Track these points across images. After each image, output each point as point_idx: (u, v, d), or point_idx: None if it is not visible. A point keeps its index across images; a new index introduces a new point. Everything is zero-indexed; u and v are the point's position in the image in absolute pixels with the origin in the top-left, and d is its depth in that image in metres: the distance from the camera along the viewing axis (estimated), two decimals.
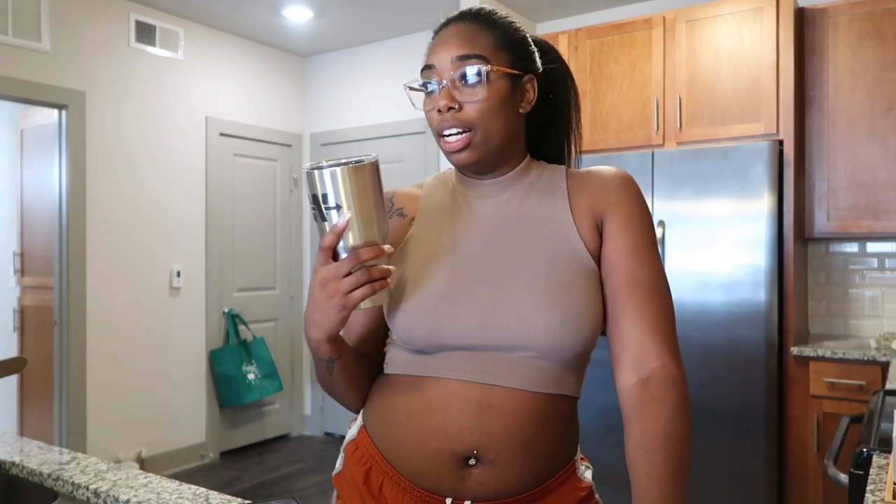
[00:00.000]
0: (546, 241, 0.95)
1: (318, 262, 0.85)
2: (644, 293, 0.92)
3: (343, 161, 0.82)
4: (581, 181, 1.00)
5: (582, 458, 1.03)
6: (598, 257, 0.95)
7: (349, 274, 0.84)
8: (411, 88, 1.00)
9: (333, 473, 1.06)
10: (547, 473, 0.95)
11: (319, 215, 0.83)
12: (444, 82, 0.94)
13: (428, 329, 0.92)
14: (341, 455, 1.06)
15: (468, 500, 0.92)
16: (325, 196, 0.81)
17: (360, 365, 1.00)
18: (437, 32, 1.00)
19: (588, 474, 1.01)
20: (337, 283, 0.84)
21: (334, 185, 0.81)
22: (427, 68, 0.97)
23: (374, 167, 0.83)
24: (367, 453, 0.99)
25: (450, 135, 0.94)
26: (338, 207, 0.81)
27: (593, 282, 0.93)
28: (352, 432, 1.05)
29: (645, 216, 0.97)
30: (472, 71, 0.93)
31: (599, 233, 0.96)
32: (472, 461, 0.91)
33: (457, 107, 0.93)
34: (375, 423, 0.99)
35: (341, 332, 0.98)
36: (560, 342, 0.89)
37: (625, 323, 0.92)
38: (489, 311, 0.91)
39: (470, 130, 0.93)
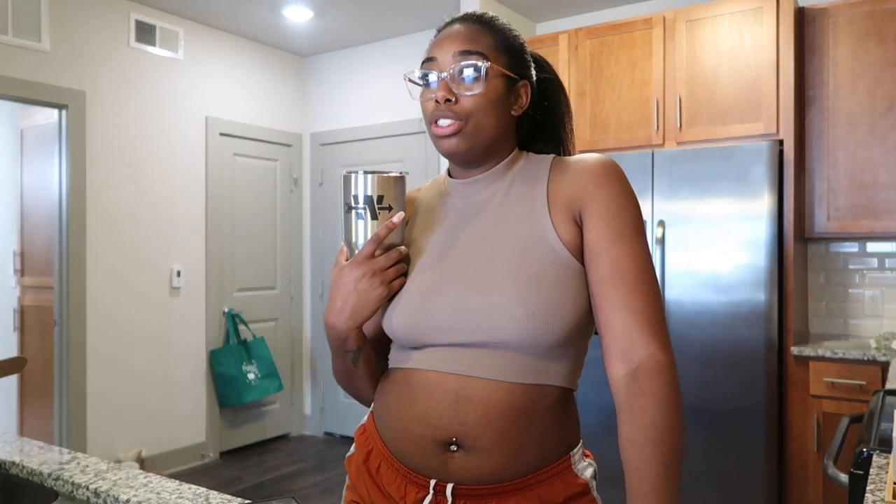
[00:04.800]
0: (520, 235, 0.96)
1: (363, 254, 0.96)
2: (628, 283, 0.92)
3: (377, 171, 0.96)
4: (562, 170, 1.01)
5: (585, 454, 1.02)
6: (574, 248, 0.95)
7: (391, 266, 0.97)
8: (411, 80, 1.03)
9: (346, 456, 1.13)
10: (533, 464, 0.95)
11: (371, 214, 0.95)
12: (444, 74, 0.98)
13: (405, 328, 0.98)
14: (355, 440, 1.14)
15: (451, 482, 0.95)
16: (381, 197, 0.95)
17: (376, 356, 1.09)
18: (440, 30, 1.04)
19: (588, 472, 1.00)
20: (383, 274, 0.96)
21: (394, 190, 0.96)
22: (428, 60, 1.01)
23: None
24: (370, 437, 1.07)
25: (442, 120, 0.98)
26: (389, 208, 0.96)
27: (568, 273, 0.94)
28: (364, 419, 1.12)
29: (627, 204, 0.96)
30: (472, 65, 0.96)
31: (577, 223, 0.96)
32: (453, 447, 0.95)
33: (453, 99, 0.97)
34: (377, 410, 1.07)
35: None
36: (527, 335, 0.91)
37: (611, 314, 0.92)
38: (459, 308, 0.94)
39: (462, 120, 0.97)
